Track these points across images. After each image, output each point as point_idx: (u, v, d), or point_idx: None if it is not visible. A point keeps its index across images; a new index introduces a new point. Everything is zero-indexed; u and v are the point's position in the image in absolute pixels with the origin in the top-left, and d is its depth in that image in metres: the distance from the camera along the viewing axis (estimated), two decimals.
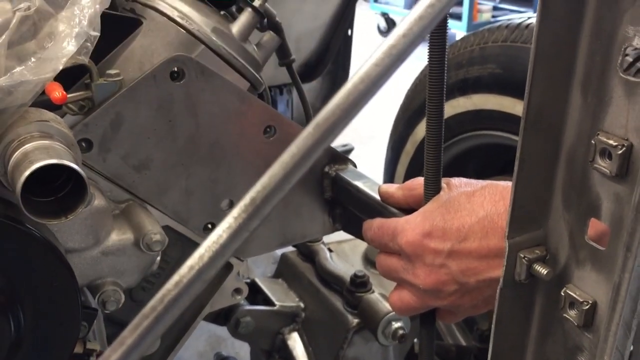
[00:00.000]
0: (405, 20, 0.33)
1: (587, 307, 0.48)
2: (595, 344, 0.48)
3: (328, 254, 1.19)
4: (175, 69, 0.75)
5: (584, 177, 0.47)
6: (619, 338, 0.45)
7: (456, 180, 0.72)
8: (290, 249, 1.24)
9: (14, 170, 0.53)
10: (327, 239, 1.22)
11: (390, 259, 0.73)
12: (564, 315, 0.50)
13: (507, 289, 0.52)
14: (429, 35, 0.66)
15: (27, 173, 0.51)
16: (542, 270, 0.50)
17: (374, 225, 0.75)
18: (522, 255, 0.51)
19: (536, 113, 0.47)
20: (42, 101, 0.64)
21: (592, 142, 0.45)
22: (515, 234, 0.51)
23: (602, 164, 0.44)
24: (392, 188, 0.78)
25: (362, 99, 0.29)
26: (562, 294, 0.49)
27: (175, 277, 0.31)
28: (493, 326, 0.55)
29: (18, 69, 0.54)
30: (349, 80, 0.30)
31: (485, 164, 1.46)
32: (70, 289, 0.60)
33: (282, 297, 1.15)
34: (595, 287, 0.47)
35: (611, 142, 0.43)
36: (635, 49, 0.42)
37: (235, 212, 0.30)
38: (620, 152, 0.43)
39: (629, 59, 0.42)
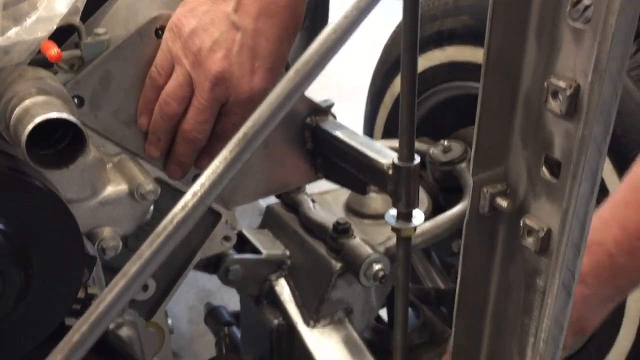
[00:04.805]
0: None
1: (543, 234, 0.53)
2: (550, 266, 0.54)
3: (311, 204, 1.23)
4: (159, 27, 0.79)
5: (539, 117, 0.52)
6: (568, 258, 0.51)
7: None
8: (274, 200, 1.28)
9: (17, 125, 0.57)
10: (309, 190, 1.27)
11: None
12: (523, 243, 0.55)
13: (472, 221, 0.57)
14: None
15: (30, 126, 0.55)
16: (503, 202, 0.55)
17: None
18: (485, 190, 0.56)
19: (495, 59, 0.51)
20: (36, 60, 0.67)
21: (545, 84, 0.50)
22: (479, 171, 0.56)
23: (554, 104, 0.49)
24: None
25: (335, 47, 0.33)
26: (521, 223, 0.55)
27: (181, 202, 0.36)
28: (461, 256, 0.60)
29: (14, 29, 0.58)
30: (323, 31, 0.34)
31: (462, 114, 1.51)
32: (74, 236, 0.65)
33: (268, 246, 1.20)
34: (549, 216, 0.53)
35: (561, 84, 0.48)
36: None
37: (230, 145, 0.35)
38: (569, 93, 0.48)
39: (577, 7, 0.47)
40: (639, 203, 0.77)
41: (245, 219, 1.68)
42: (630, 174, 0.80)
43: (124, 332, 0.89)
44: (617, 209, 0.78)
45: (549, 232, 0.53)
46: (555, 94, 0.49)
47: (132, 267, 0.36)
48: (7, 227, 0.60)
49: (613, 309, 0.83)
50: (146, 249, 0.35)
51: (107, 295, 0.36)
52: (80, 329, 0.35)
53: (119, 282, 0.36)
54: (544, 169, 0.52)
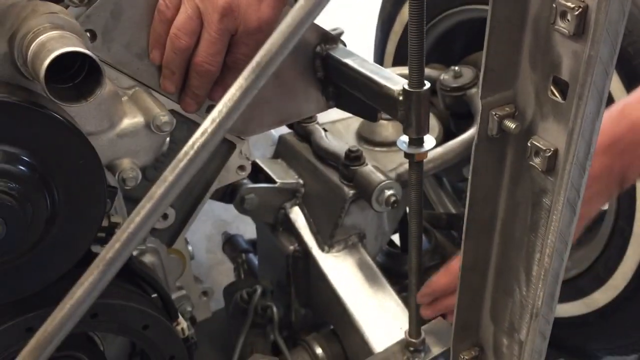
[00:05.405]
0: None
1: (550, 154, 0.54)
2: (556, 184, 0.56)
3: (323, 133, 1.25)
4: None
5: (547, 38, 0.52)
6: (573, 177, 0.53)
7: None
8: (287, 130, 1.30)
9: (34, 60, 0.58)
10: (321, 119, 1.28)
11: None
12: (531, 163, 0.57)
13: (481, 144, 0.59)
14: None
15: (48, 61, 0.56)
16: (511, 124, 0.56)
17: None
18: (493, 113, 0.57)
19: None
20: None
21: (554, 5, 0.50)
22: (488, 95, 0.57)
23: (562, 25, 0.50)
24: None
25: None
26: (529, 144, 0.56)
27: (201, 128, 0.38)
28: (470, 178, 0.62)
29: None
30: None
31: (472, 39, 1.49)
32: (95, 166, 0.67)
33: (282, 175, 1.22)
34: (556, 136, 0.54)
35: (569, 4, 0.48)
36: None
37: (245, 73, 0.37)
38: (577, 13, 0.48)
39: None
40: None
41: (259, 149, 1.70)
42: None
43: (147, 258, 0.94)
44: None
45: (555, 152, 0.54)
46: (563, 15, 0.49)
47: (157, 190, 0.38)
48: (32, 159, 0.63)
49: (621, 191, 0.86)
50: (169, 174, 0.38)
51: (136, 216, 0.38)
52: (113, 246, 0.38)
53: (146, 204, 0.38)
54: (551, 90, 0.53)
